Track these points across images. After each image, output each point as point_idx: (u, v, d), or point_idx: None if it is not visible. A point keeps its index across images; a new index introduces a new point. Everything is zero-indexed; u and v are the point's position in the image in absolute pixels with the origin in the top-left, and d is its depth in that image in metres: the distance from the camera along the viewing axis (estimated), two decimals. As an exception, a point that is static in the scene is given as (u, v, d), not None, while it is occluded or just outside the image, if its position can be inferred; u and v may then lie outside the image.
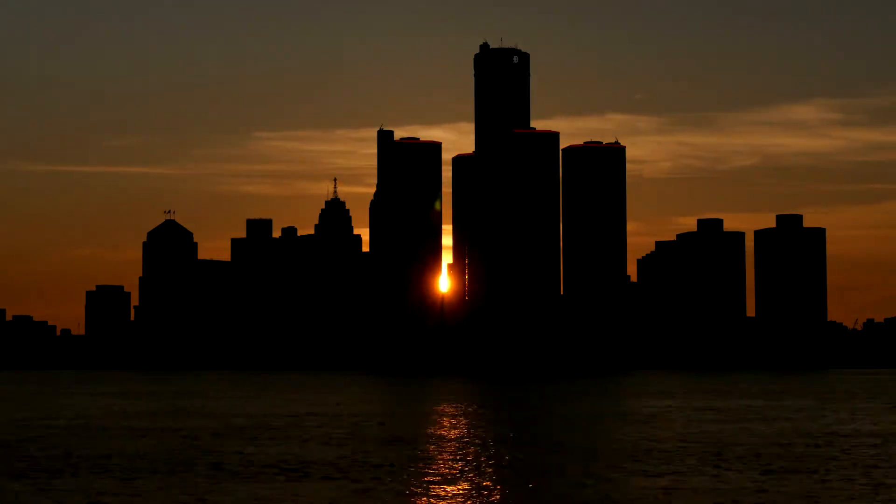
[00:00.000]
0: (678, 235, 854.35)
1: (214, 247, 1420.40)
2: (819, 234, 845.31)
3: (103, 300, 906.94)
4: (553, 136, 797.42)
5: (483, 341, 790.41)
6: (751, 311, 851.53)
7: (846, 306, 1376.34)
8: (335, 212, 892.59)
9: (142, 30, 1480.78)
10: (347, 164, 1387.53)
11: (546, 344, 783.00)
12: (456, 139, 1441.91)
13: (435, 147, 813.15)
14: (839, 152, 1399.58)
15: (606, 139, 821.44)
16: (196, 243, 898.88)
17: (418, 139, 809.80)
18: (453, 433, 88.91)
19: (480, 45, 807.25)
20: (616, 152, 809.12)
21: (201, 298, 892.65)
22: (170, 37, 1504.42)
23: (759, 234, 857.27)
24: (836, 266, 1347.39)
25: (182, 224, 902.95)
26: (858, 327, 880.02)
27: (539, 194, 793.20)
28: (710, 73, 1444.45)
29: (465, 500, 46.82)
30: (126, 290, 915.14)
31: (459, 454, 69.62)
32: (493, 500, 46.75)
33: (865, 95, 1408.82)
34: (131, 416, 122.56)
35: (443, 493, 49.40)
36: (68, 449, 76.76)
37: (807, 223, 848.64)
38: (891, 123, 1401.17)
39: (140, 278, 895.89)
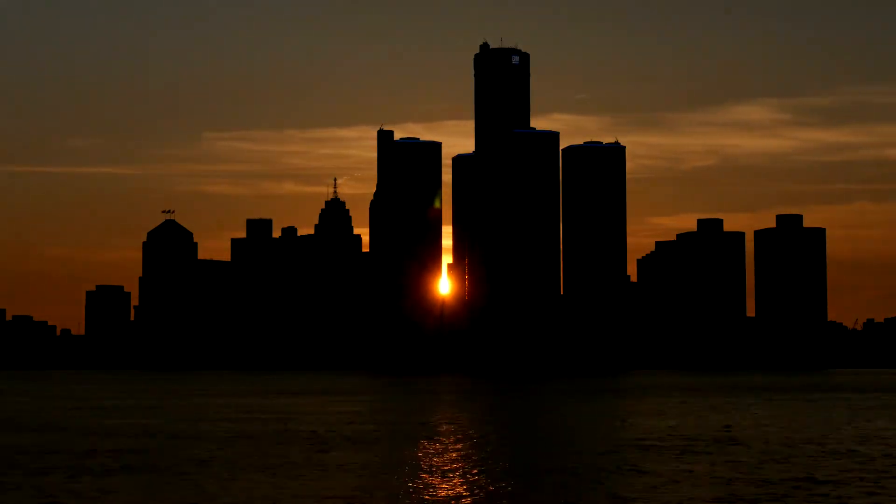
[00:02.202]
0: (678, 235, 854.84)
1: (214, 247, 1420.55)
2: (819, 234, 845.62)
3: (103, 300, 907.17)
4: (553, 136, 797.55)
5: (483, 341, 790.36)
6: (751, 311, 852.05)
7: (846, 306, 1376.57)
8: (335, 212, 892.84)
9: (140, 30, 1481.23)
10: (347, 165, 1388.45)
11: (546, 344, 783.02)
12: (456, 139, 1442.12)
13: (435, 147, 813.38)
14: (797, 153, 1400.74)
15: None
16: (196, 243, 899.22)
17: (418, 139, 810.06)
18: (451, 432, 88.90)
19: (480, 45, 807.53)
20: (616, 152, 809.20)
21: (201, 298, 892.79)
22: (168, 37, 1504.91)
23: (759, 234, 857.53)
24: (835, 266, 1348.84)
25: (182, 224, 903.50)
26: (858, 327, 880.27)
27: (539, 194, 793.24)
28: (654, 73, 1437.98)
29: (460, 500, 46.78)
30: (126, 290, 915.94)
31: (456, 454, 69.61)
32: (489, 499, 46.71)
33: (809, 95, 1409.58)
34: None
35: (439, 493, 49.37)
36: None
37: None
38: (842, 123, 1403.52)
39: (140, 278, 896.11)
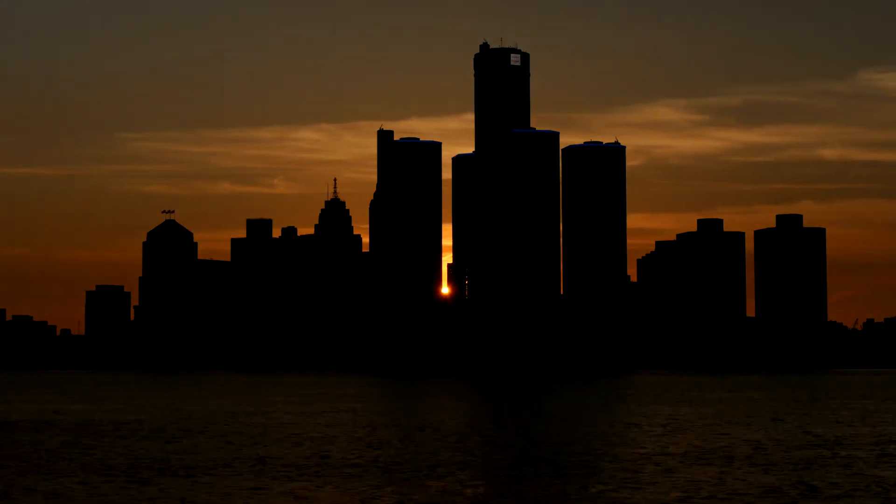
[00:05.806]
0: (678, 235, 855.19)
1: (214, 247, 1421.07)
2: (819, 234, 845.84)
3: (103, 300, 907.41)
4: (553, 136, 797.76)
5: (483, 341, 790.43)
6: (751, 311, 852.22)
7: (846, 306, 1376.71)
8: (335, 212, 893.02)
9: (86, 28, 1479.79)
10: (347, 167, 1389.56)
11: (546, 344, 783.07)
12: (456, 139, 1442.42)
13: (435, 147, 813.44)
14: (724, 153, 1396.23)
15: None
16: (196, 243, 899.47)
17: (418, 139, 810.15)
18: (449, 433, 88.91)
19: (480, 45, 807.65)
20: (616, 152, 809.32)
21: (201, 298, 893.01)
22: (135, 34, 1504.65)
23: (759, 235, 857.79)
24: (835, 266, 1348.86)
25: (181, 223, 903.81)
26: (858, 327, 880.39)
27: (539, 194, 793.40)
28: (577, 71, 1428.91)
29: (459, 500, 46.78)
30: (126, 290, 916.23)
31: (454, 454, 69.60)
32: (487, 500, 46.69)
33: (712, 95, 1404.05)
34: None
35: (436, 493, 49.36)
36: None
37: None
38: (759, 124, 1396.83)
39: (140, 278, 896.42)
